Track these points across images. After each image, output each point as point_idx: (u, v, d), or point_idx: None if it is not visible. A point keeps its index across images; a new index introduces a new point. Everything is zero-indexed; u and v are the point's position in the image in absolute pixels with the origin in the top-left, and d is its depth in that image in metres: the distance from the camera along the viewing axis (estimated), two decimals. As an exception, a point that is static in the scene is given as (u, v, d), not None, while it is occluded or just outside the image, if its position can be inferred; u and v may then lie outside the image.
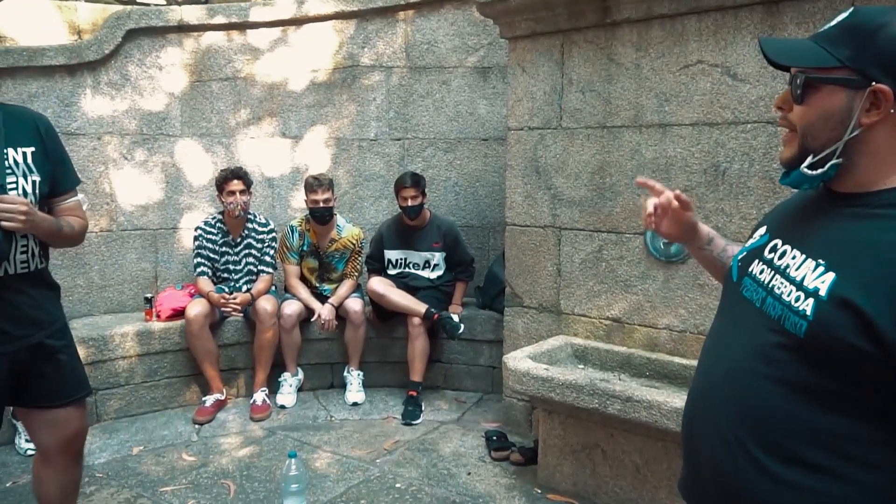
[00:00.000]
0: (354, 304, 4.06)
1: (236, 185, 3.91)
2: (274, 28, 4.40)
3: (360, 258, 4.20)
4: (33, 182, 1.99)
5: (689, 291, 3.04)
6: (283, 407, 3.98)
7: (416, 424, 3.78)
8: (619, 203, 3.22)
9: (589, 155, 3.29)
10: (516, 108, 3.52)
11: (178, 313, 3.98)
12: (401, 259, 4.22)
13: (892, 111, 1.00)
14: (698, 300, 3.02)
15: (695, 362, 3.08)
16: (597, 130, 3.26)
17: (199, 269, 4.01)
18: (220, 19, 4.30)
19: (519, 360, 3.01)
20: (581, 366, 3.25)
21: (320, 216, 4.02)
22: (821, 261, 1.05)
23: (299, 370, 4.17)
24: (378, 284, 4.03)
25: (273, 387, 4.06)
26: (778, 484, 1.06)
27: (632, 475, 2.82)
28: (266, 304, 3.90)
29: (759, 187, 2.82)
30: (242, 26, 4.35)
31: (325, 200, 3.97)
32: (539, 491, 3.05)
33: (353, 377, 4.12)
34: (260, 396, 3.92)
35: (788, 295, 1.07)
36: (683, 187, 3.01)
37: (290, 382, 4.06)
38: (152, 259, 4.37)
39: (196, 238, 4.04)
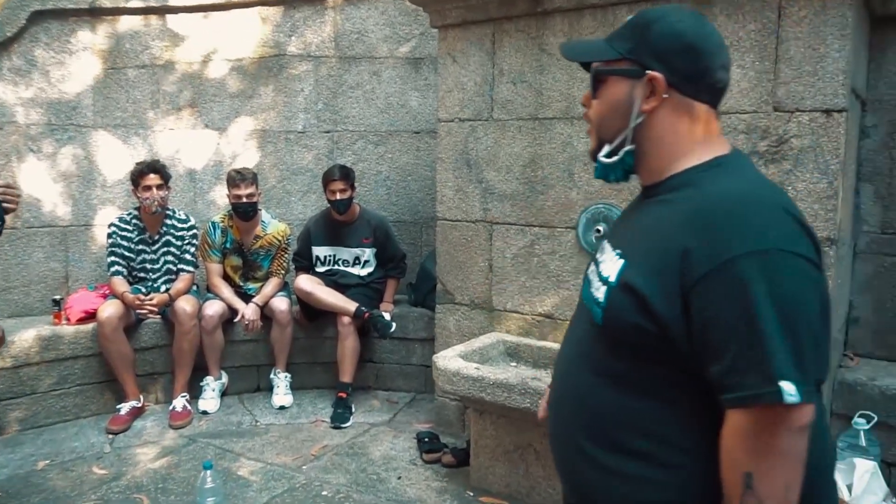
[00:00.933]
0: (280, 304, 3.88)
1: (153, 179, 3.68)
2: (195, 13, 4.17)
3: (286, 255, 4.03)
4: None
5: (621, 286, 2.99)
6: (205, 413, 3.77)
7: (345, 427, 3.64)
8: (550, 196, 3.15)
9: (520, 147, 3.21)
10: (447, 99, 3.42)
11: (90, 316, 3.72)
12: (329, 256, 4.07)
13: (665, 96, 1.08)
14: (630, 295, 2.97)
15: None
16: (528, 122, 3.18)
17: (112, 269, 3.76)
18: (136, 2, 4.06)
19: (449, 359, 2.91)
20: (514, 363, 3.18)
21: (244, 212, 3.83)
22: (618, 251, 1.12)
23: (223, 373, 3.97)
24: (305, 282, 3.86)
25: (195, 392, 3.84)
26: (608, 474, 1.09)
27: (564, 475, 2.75)
28: (185, 304, 3.68)
29: (688, 180, 2.79)
30: (161, 10, 4.11)
31: (249, 195, 3.78)
32: (471, 493, 2.96)
33: (280, 379, 3.95)
34: (180, 402, 3.70)
35: (596, 289, 1.13)
36: (615, 180, 2.96)
37: (212, 387, 3.85)
38: (62, 258, 4.09)
39: (110, 236, 3.79)
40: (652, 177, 1.14)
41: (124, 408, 3.62)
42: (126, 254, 3.79)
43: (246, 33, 4.27)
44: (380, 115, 4.44)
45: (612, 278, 1.08)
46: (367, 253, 4.05)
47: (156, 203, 3.69)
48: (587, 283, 1.21)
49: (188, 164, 4.32)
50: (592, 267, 1.22)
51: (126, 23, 4.11)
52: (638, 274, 1.04)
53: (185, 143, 4.30)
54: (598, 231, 2.99)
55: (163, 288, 3.84)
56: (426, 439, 3.38)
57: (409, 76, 4.39)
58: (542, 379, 2.71)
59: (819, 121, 2.49)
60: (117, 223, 3.80)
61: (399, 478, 3.10)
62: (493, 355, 3.16)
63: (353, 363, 3.84)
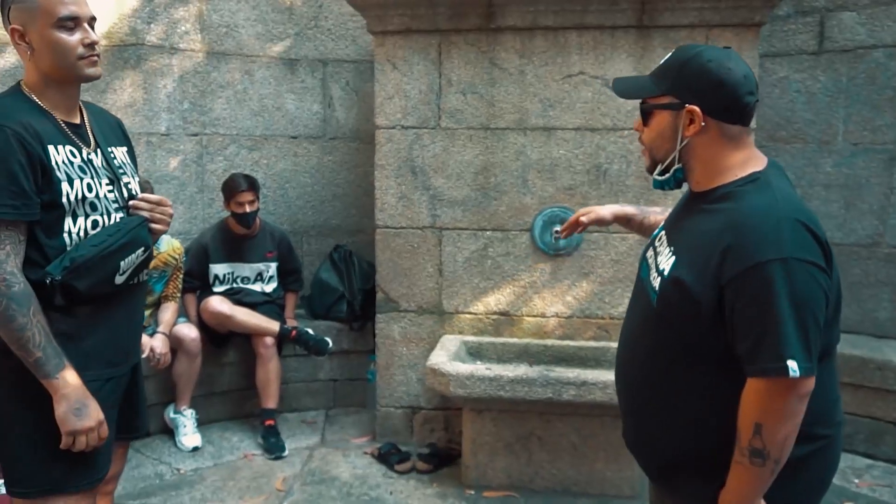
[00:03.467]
0: (189, 331, 3.39)
1: None
2: None
3: (181, 276, 3.51)
4: (136, 184, 1.80)
5: (577, 280, 3.35)
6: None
7: (286, 456, 3.36)
8: (504, 202, 3.36)
9: (472, 155, 3.35)
10: (386, 105, 3.38)
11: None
12: (228, 274, 3.66)
13: (703, 124, 1.35)
14: (585, 287, 3.35)
15: (585, 343, 3.44)
16: (479, 131, 3.34)
17: None
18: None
19: (455, 364, 2.96)
20: (478, 362, 3.31)
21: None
22: (672, 248, 1.42)
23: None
24: (221, 304, 3.44)
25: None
26: (662, 429, 1.43)
27: (569, 455, 3.02)
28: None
29: (636, 185, 3.26)
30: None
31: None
32: (472, 492, 3.04)
33: (187, 417, 3.44)
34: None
35: (654, 278, 1.44)
36: (568, 185, 3.30)
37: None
38: None
39: None
40: (700, 186, 1.41)
41: None
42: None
43: (98, 16, 3.57)
44: (253, 118, 4.09)
45: (666, 272, 1.37)
46: (272, 268, 3.74)
47: None
48: (645, 266, 1.52)
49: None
50: (650, 252, 1.53)
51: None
52: (684, 269, 1.33)
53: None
54: (557, 232, 3.30)
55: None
56: (391, 451, 3.32)
57: (285, 77, 4.13)
58: (554, 370, 2.93)
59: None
60: None
61: (391, 493, 3.03)
62: (461, 356, 3.25)
63: (278, 387, 3.55)
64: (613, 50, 3.21)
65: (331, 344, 3.60)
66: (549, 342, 3.34)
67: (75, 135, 1.66)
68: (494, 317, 3.44)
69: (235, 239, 3.65)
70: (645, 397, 1.46)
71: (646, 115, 1.43)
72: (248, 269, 3.70)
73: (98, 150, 1.71)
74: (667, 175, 1.43)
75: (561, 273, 3.36)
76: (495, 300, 3.42)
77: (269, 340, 3.49)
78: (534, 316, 3.40)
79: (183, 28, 3.87)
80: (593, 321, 3.36)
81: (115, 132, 1.83)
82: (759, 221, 1.26)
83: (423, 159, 3.38)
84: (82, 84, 1.68)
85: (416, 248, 3.44)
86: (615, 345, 3.31)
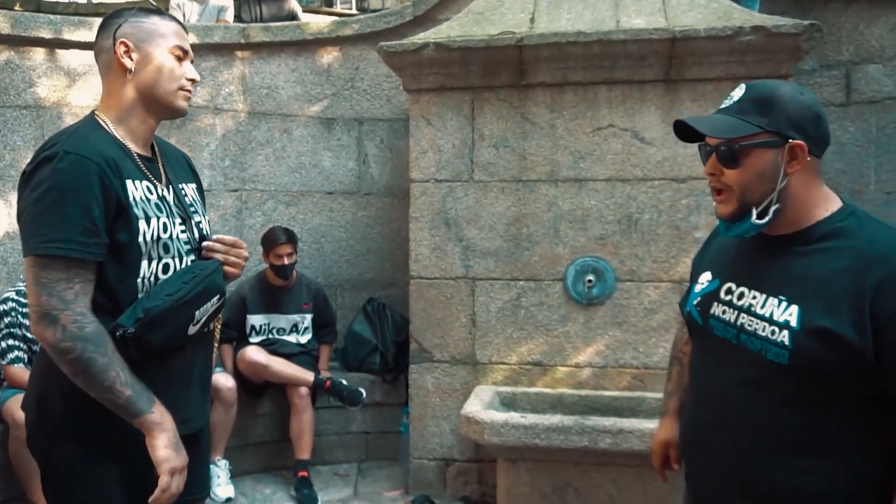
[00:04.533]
0: (226, 381, 3.43)
1: None
2: (90, 51, 3.58)
3: (219, 326, 3.57)
4: (206, 223, 1.70)
5: (609, 329, 3.34)
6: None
7: (319, 509, 3.35)
8: (536, 252, 3.40)
9: (504, 207, 3.42)
10: (421, 160, 3.49)
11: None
12: (265, 325, 3.73)
13: (808, 160, 1.28)
14: (618, 336, 3.34)
15: (620, 393, 3.41)
16: (511, 184, 3.41)
17: (11, 355, 2.99)
18: (20, 31, 3.35)
19: (489, 412, 2.95)
20: (512, 412, 3.28)
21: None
22: (782, 297, 1.30)
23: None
24: (258, 354, 3.49)
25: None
26: (794, 473, 1.29)
27: (606, 507, 2.95)
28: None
29: (666, 234, 3.29)
30: (51, 43, 3.46)
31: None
32: (508, 545, 2.98)
33: (221, 468, 3.45)
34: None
35: (763, 331, 1.30)
36: (600, 235, 3.34)
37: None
38: None
39: (6, 314, 3.01)
40: (788, 227, 1.32)
41: (41, 532, 2.85)
42: (28, 335, 3.03)
43: (147, 79, 3.78)
44: (291, 175, 4.24)
45: (794, 324, 1.26)
46: (308, 319, 3.81)
47: None
48: (722, 322, 1.40)
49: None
50: (719, 307, 1.41)
51: (5, 54, 3.37)
52: (825, 317, 1.23)
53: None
54: (590, 281, 3.32)
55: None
56: (425, 504, 3.29)
57: (322, 135, 4.29)
58: (590, 419, 2.91)
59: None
60: (16, 298, 3.04)
61: (427, 546, 2.98)
62: (495, 406, 3.24)
63: (312, 438, 3.55)
64: (642, 103, 3.29)
65: (364, 395, 3.61)
66: (584, 392, 3.31)
67: (149, 169, 1.57)
68: (528, 367, 3.43)
69: (273, 290, 3.73)
70: (770, 461, 1.33)
71: (735, 155, 1.30)
72: (284, 321, 3.76)
73: (170, 187, 1.61)
74: (766, 219, 1.30)
75: (594, 322, 3.36)
76: (528, 350, 3.42)
77: (304, 391, 3.52)
78: (567, 366, 3.39)
79: (227, 90, 4.07)
80: (627, 371, 3.33)
81: (183, 168, 1.73)
82: None
83: (457, 211, 3.46)
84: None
85: (449, 298, 3.48)
86: (651, 395, 3.30)
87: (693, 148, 1.47)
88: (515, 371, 3.44)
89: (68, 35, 3.56)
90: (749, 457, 1.35)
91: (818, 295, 1.25)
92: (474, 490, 3.44)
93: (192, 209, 1.64)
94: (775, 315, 1.29)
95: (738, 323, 1.36)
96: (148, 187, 1.53)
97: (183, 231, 1.58)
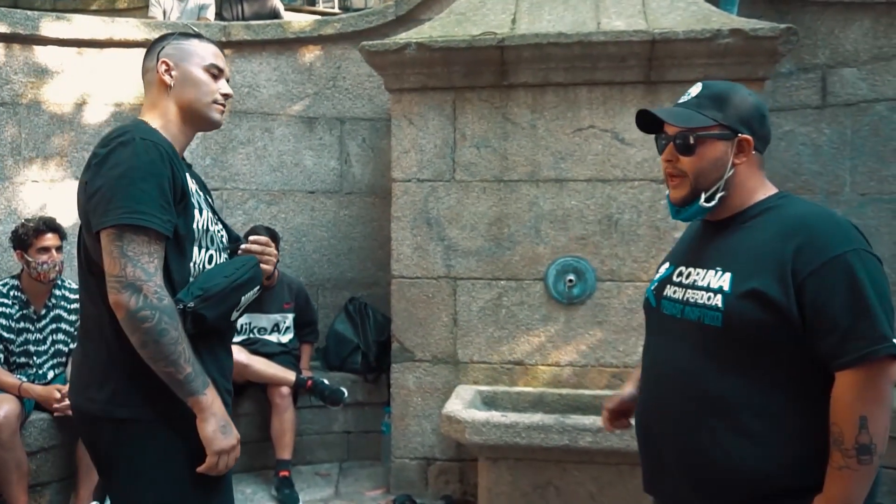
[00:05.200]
0: (206, 380, 3.41)
1: (51, 239, 3.03)
2: (68, 47, 3.55)
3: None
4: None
5: (590, 329, 3.37)
6: None
7: (300, 508, 3.34)
8: (517, 251, 3.41)
9: (485, 207, 3.43)
10: (402, 159, 3.49)
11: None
12: (245, 324, 3.72)
13: (753, 153, 1.44)
14: (598, 336, 3.36)
15: (602, 392, 3.45)
16: (493, 184, 3.43)
17: (-13, 356, 2.96)
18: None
19: (471, 411, 2.96)
20: (493, 411, 3.30)
21: None
22: (718, 268, 1.44)
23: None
24: (239, 354, 3.44)
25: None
26: (727, 446, 1.37)
27: (586, 505, 2.98)
28: None
29: (646, 234, 3.32)
30: (27, 39, 3.41)
31: None
32: (489, 544, 2.99)
33: (201, 468, 3.43)
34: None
35: (702, 299, 1.43)
36: (581, 235, 3.36)
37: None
38: None
39: (-20, 314, 2.98)
40: (729, 211, 1.46)
41: (17, 534, 2.82)
42: (4, 334, 3.00)
43: (126, 74, 3.74)
44: (272, 174, 4.22)
45: (726, 288, 1.38)
46: (289, 318, 3.79)
47: (56, 269, 3.03)
48: (671, 302, 1.51)
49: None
50: (671, 289, 1.53)
51: (-20, 51, 3.33)
52: (752, 279, 1.34)
53: (52, 198, 3.56)
54: (571, 281, 3.35)
55: (50, 374, 3.12)
56: (403, 503, 3.29)
57: (303, 134, 4.28)
58: (571, 417, 2.93)
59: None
60: (-10, 297, 3.01)
61: (409, 545, 2.99)
62: (476, 405, 3.25)
63: (293, 438, 3.55)
64: (622, 104, 3.32)
65: (346, 394, 3.60)
66: (564, 391, 3.34)
67: (189, 171, 1.71)
68: (509, 366, 3.45)
69: (253, 290, 3.71)
70: (713, 427, 1.39)
71: (691, 144, 1.43)
72: (265, 320, 3.75)
73: (203, 190, 1.75)
74: (713, 202, 1.44)
75: (575, 322, 3.38)
76: (509, 349, 3.44)
77: (286, 390, 3.51)
78: (548, 365, 3.41)
79: (207, 88, 4.03)
80: (608, 370, 3.36)
81: (199, 179, 1.82)
82: (822, 221, 1.35)
83: (438, 211, 3.47)
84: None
85: (431, 297, 3.49)
86: (631, 393, 3.30)
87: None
88: (497, 370, 3.45)
89: (46, 31, 3.51)
90: (686, 424, 1.43)
91: (748, 262, 1.38)
92: (456, 489, 3.46)
93: (219, 214, 1.79)
94: (711, 283, 1.42)
95: (684, 298, 1.48)
96: (196, 184, 1.68)
97: (219, 230, 1.73)
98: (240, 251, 1.75)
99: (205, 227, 1.64)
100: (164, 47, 1.70)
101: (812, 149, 3.76)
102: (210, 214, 1.70)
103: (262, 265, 1.75)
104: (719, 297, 1.38)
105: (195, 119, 1.71)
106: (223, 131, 4.09)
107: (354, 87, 4.34)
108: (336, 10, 7.38)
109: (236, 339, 3.68)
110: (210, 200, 1.77)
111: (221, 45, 4.00)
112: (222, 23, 4.45)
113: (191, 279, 1.58)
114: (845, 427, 1.26)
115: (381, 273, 4.14)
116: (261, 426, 3.71)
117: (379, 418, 3.92)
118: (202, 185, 1.77)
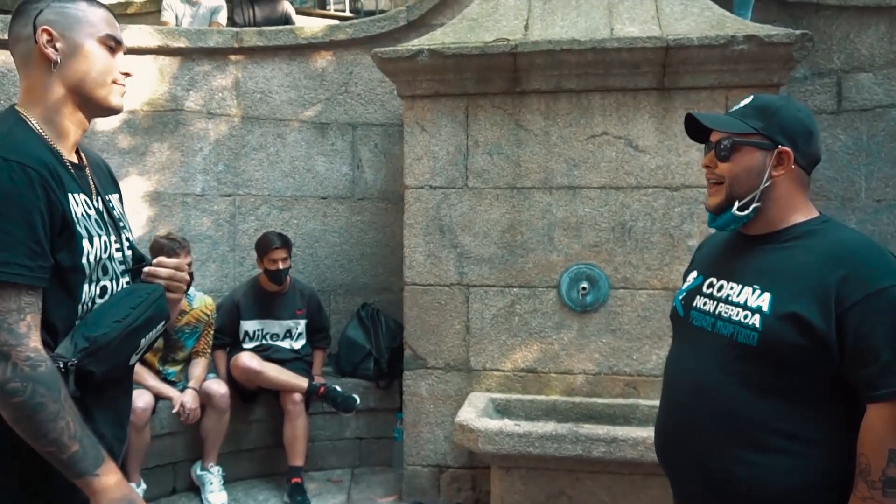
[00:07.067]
0: (219, 387, 3.42)
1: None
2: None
3: (211, 332, 3.58)
4: (132, 238, 1.51)
5: (603, 336, 3.36)
6: None
7: (312, 515, 3.35)
8: (530, 259, 3.40)
9: (498, 214, 3.42)
10: (415, 166, 3.49)
11: None
12: (258, 330, 3.72)
13: (792, 167, 1.41)
14: (612, 344, 3.35)
15: (614, 400, 3.42)
16: (506, 191, 3.42)
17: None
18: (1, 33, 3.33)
19: (483, 420, 2.96)
20: (506, 419, 3.29)
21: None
22: (756, 286, 1.41)
23: (141, 479, 3.33)
24: (251, 360, 3.48)
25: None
26: (751, 467, 1.36)
27: (600, 515, 2.97)
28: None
29: (660, 242, 3.30)
30: None
31: (189, 265, 3.32)
32: (502, 553, 2.98)
33: (214, 474, 3.44)
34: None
35: (736, 315, 1.41)
36: (594, 242, 3.35)
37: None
38: None
39: None
40: (766, 227, 1.44)
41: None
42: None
43: (139, 83, 3.76)
44: (284, 179, 4.23)
45: (765, 308, 1.36)
46: (301, 325, 3.80)
47: None
48: (702, 312, 1.48)
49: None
50: (701, 300, 1.50)
51: (-5, 59, 3.35)
52: (794, 303, 1.33)
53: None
54: (584, 288, 3.34)
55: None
56: (418, 510, 3.30)
57: (316, 140, 4.28)
58: (584, 427, 2.91)
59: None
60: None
61: (422, 553, 2.99)
62: (489, 413, 3.24)
63: (305, 444, 3.56)
64: (636, 111, 3.31)
65: (358, 401, 3.60)
66: (577, 399, 3.33)
67: (80, 178, 1.36)
68: (522, 374, 3.44)
69: (266, 296, 3.72)
70: (740, 448, 1.37)
71: (729, 150, 1.43)
72: (277, 326, 3.76)
73: (100, 199, 1.41)
74: (746, 212, 1.42)
75: (588, 330, 3.37)
76: (522, 357, 3.43)
77: (298, 397, 3.52)
78: (561, 373, 3.40)
79: (220, 94, 4.05)
80: (621, 378, 3.34)
81: (106, 176, 1.51)
82: (867, 252, 1.34)
83: (451, 218, 3.46)
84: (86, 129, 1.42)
85: (443, 304, 3.48)
86: (644, 402, 3.32)
87: (686, 156, 1.54)
88: (509, 378, 3.44)
89: None
90: (710, 441, 1.41)
91: (789, 284, 1.36)
92: (468, 497, 3.45)
93: (121, 223, 1.47)
94: (749, 301, 1.40)
95: (716, 312, 1.46)
96: (86, 201, 1.35)
97: (118, 249, 1.42)
98: (142, 276, 1.44)
99: (97, 258, 1.33)
100: (41, 11, 1.32)
101: (827, 154, 3.73)
102: (106, 238, 1.37)
103: (168, 293, 1.43)
104: (757, 316, 1.37)
105: (90, 104, 1.36)
106: (236, 137, 4.11)
107: (366, 93, 4.35)
108: (347, 12, 7.38)
109: (248, 345, 3.70)
110: (112, 203, 1.46)
111: (234, 51, 4.07)
112: (234, 29, 4.46)
113: (76, 322, 1.30)
114: (873, 459, 1.25)
115: (393, 279, 4.14)
116: (273, 432, 3.72)
117: (391, 424, 3.92)
118: (105, 186, 1.46)
